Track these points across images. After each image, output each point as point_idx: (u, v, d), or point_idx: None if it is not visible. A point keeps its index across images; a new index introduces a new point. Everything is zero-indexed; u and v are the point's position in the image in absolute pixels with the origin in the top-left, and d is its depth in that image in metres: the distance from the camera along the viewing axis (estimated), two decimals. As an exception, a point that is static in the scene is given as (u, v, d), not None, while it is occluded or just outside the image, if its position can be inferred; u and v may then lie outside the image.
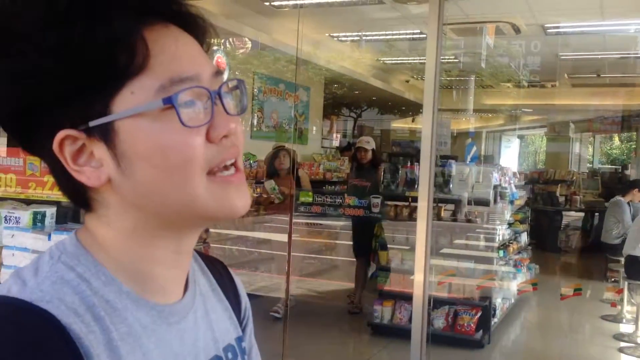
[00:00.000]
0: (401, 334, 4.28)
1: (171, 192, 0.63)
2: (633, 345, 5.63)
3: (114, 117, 0.61)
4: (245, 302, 0.86)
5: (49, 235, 2.02)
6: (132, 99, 0.61)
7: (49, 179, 2.49)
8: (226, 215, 0.66)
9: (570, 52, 9.24)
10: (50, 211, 2.37)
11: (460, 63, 9.14)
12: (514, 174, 8.13)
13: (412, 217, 5.98)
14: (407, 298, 4.51)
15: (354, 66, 10.22)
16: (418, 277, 3.36)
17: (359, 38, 8.62)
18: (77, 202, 0.67)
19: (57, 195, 2.48)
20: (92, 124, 0.61)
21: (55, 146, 0.62)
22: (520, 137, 18.12)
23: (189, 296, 0.72)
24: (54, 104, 0.61)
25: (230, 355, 0.76)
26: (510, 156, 16.68)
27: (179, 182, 0.62)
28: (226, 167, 0.65)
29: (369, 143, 6.04)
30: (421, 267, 3.34)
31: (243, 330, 0.83)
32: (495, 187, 6.34)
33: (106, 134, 0.61)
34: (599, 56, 9.25)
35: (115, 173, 0.63)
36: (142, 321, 0.64)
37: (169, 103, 0.60)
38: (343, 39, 9.10)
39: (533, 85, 11.17)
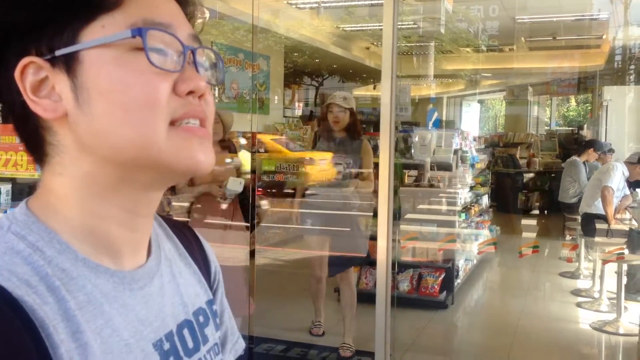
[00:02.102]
0: (367, 298, 4.36)
1: (128, 132, 0.61)
2: (590, 299, 5.84)
3: (81, 46, 0.61)
4: (215, 266, 0.85)
5: (5, 212, 1.99)
6: (101, 32, 0.61)
7: (3, 156, 2.43)
8: (187, 166, 0.64)
9: (527, 15, 9.34)
10: (6, 188, 2.33)
11: (420, 29, 9.14)
12: (475, 138, 8.27)
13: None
14: (372, 263, 4.58)
15: (314, 34, 10.14)
16: (381, 242, 3.41)
17: (317, 5, 8.54)
18: (33, 148, 0.66)
19: (11, 172, 2.43)
20: (58, 52, 0.61)
21: (17, 72, 0.61)
22: (480, 101, 18.32)
23: (152, 261, 0.71)
24: (25, 30, 0.61)
25: (201, 318, 0.76)
26: (471, 121, 16.88)
27: (138, 123, 0.61)
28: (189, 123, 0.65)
29: (345, 100, 4.16)
30: (384, 232, 3.38)
31: (214, 294, 0.82)
32: (456, 151, 6.44)
33: (70, 64, 0.61)
34: (555, 19, 9.37)
35: (72, 107, 0.62)
36: (103, 288, 0.63)
37: (137, 34, 0.60)
38: (301, 6, 9.01)
39: (491, 50, 11.27)
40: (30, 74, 0.61)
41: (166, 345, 0.68)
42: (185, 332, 0.72)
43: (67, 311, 0.58)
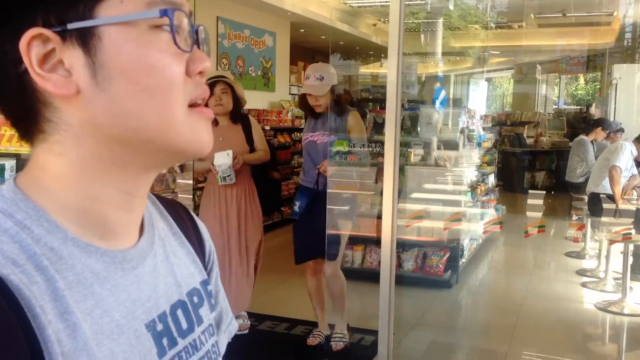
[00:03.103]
0: (371, 277, 4.36)
1: (149, 114, 0.61)
2: (595, 279, 5.84)
3: (102, 21, 0.58)
4: (209, 245, 0.84)
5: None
6: (120, 8, 0.59)
7: (7, 131, 2.42)
8: (195, 149, 0.65)
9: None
10: (10, 164, 2.32)
11: (428, 5, 9.02)
12: (482, 116, 8.21)
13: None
14: (377, 242, 4.57)
15: (320, 9, 10.03)
16: (386, 221, 3.40)
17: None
18: (26, 126, 0.63)
19: (16, 147, 2.42)
20: (71, 25, 0.58)
21: (23, 44, 0.58)
22: (488, 79, 18.16)
23: (145, 240, 0.69)
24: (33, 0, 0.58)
25: (196, 299, 0.74)
26: (478, 99, 16.74)
27: (160, 106, 0.61)
28: (196, 104, 0.65)
29: (321, 82, 3.86)
30: (389, 211, 3.37)
31: (208, 274, 0.81)
32: (463, 130, 6.39)
33: (87, 40, 0.58)
34: (565, -5, 9.23)
35: (88, 85, 0.59)
36: (93, 268, 0.61)
37: (165, 15, 0.59)
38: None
39: (500, 27, 11.13)
40: (36, 46, 0.58)
41: (159, 326, 0.67)
42: (179, 312, 0.71)
43: (55, 291, 0.57)
